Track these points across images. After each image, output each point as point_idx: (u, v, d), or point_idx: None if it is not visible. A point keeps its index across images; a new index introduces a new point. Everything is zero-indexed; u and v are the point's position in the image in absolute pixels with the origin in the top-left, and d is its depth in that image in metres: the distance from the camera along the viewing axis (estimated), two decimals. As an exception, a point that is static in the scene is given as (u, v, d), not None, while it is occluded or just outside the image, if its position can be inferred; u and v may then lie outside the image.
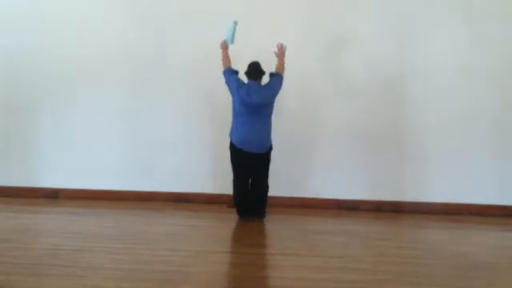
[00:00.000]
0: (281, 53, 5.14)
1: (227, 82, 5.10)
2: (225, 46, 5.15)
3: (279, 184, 5.70)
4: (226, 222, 5.06)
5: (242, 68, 5.13)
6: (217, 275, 3.48)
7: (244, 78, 5.11)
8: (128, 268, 3.54)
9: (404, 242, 4.54)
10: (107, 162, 5.88)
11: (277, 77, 5.07)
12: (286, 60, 5.15)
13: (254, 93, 4.95)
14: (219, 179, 5.77)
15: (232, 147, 5.06)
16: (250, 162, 5.02)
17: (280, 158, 5.63)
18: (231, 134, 5.09)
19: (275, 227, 4.99)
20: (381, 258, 3.93)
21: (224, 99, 5.74)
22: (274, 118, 5.14)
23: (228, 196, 5.73)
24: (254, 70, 5.05)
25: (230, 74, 5.09)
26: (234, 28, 5.07)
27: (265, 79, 5.13)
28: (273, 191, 5.69)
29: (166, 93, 5.84)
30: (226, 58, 5.13)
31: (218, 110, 5.74)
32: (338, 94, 5.67)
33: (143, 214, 5.32)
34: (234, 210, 5.16)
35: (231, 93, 5.08)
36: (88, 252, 3.90)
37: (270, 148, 5.12)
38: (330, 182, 5.69)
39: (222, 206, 5.56)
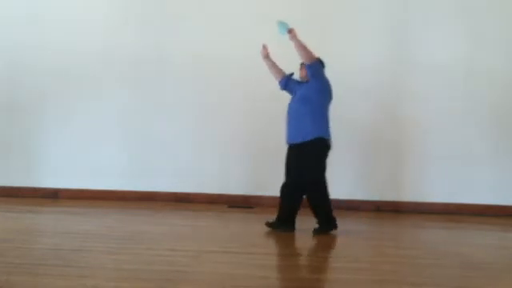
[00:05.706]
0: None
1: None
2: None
3: (280, 184, 5.71)
4: (226, 222, 5.07)
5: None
6: (217, 275, 3.47)
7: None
8: (128, 268, 3.54)
9: (404, 242, 4.53)
10: (107, 162, 5.88)
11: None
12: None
13: None
14: (219, 179, 5.78)
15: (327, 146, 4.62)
16: None
17: (279, 159, 5.63)
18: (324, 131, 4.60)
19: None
20: (381, 257, 3.92)
21: (223, 99, 5.75)
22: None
23: (228, 196, 5.74)
24: None
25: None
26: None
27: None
28: (273, 191, 5.70)
29: (166, 93, 5.84)
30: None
31: (218, 109, 5.75)
32: (338, 95, 5.66)
33: (143, 214, 5.32)
34: (235, 210, 5.15)
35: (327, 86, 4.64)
36: (88, 252, 3.90)
37: None
38: (331, 182, 5.67)
39: (222, 206, 5.57)
